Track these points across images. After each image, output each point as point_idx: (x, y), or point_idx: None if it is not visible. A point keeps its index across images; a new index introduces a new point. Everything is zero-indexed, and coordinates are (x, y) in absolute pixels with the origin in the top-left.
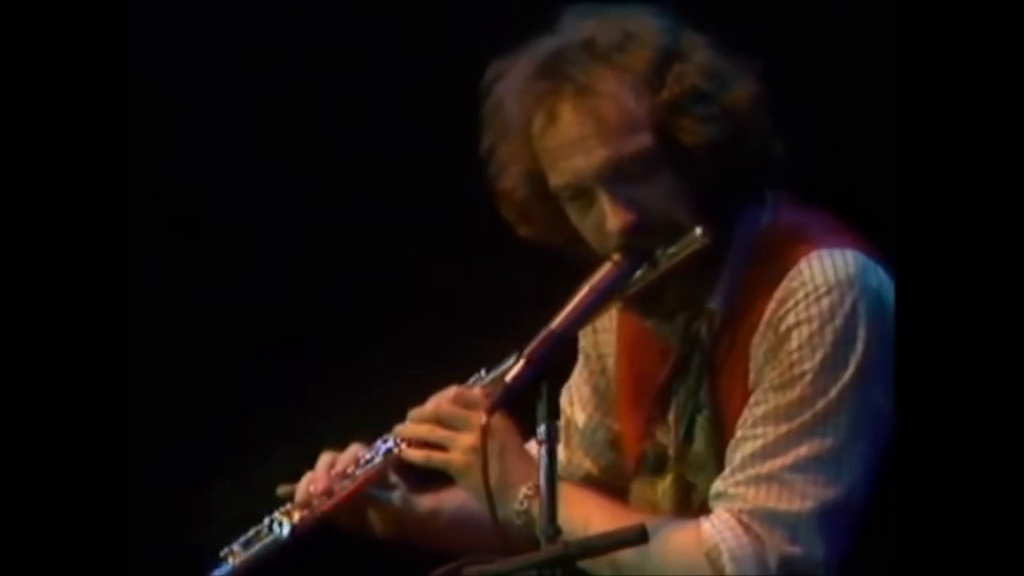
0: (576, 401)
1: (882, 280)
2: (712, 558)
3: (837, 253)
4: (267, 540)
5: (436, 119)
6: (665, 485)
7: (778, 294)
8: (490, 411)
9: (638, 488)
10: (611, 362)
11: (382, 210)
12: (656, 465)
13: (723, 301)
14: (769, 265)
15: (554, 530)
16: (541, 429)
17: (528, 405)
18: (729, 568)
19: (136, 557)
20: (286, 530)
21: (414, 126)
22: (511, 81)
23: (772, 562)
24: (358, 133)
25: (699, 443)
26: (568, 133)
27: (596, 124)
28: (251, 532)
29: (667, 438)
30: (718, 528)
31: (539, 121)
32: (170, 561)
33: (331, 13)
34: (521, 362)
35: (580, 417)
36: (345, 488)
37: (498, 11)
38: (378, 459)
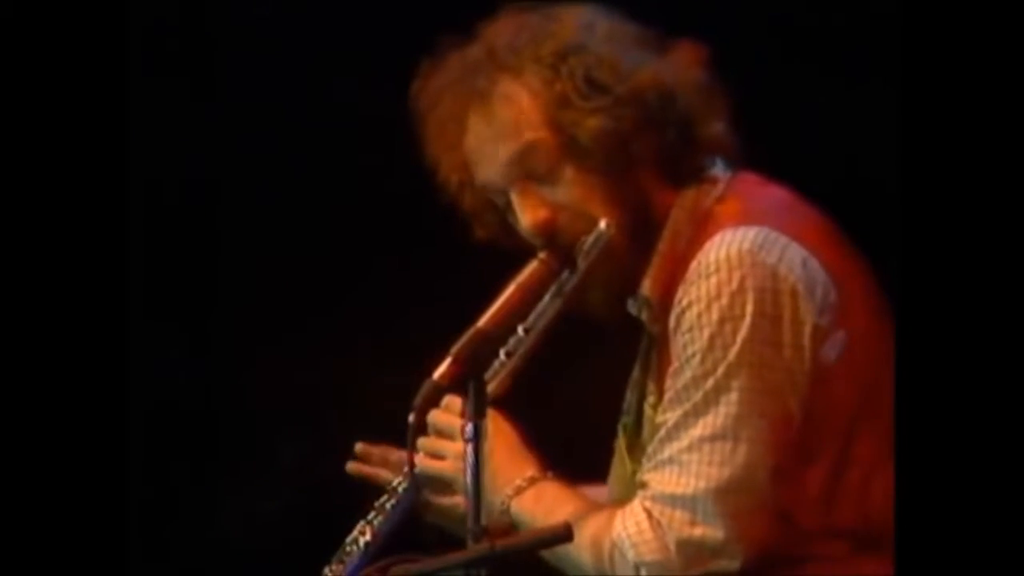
0: None
1: (785, 256)
2: (618, 547)
3: (740, 231)
4: (352, 556)
5: None
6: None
7: (687, 275)
8: (419, 411)
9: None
10: None
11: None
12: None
13: (653, 287)
14: (691, 249)
15: (480, 529)
16: (468, 428)
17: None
18: (631, 555)
19: (136, 557)
20: (361, 544)
21: None
22: (428, 96)
23: (672, 547)
24: (362, 136)
25: (646, 431)
26: (475, 142)
27: (492, 129)
28: (340, 551)
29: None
30: (624, 518)
31: (458, 133)
32: (170, 561)
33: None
34: (448, 360)
35: None
36: (391, 505)
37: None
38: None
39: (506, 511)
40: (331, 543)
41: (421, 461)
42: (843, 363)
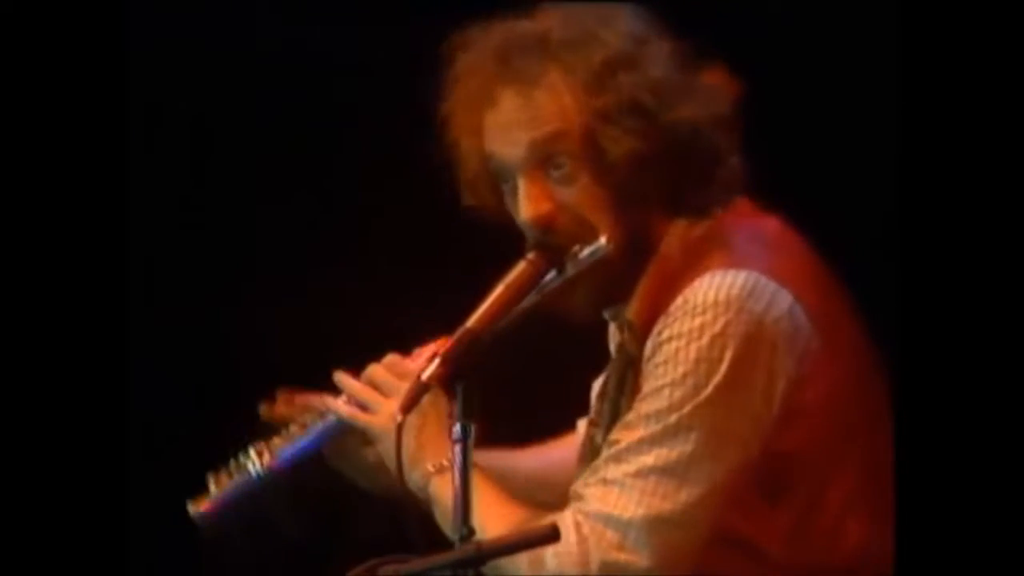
0: None
1: (773, 305)
2: (540, 554)
3: (731, 274)
4: (238, 476)
5: None
6: None
7: (670, 308)
8: (404, 410)
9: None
10: None
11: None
12: (589, 458)
13: (638, 311)
14: (679, 280)
15: (468, 530)
16: (456, 429)
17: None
18: (552, 564)
19: (136, 557)
20: (254, 469)
21: None
22: (469, 58)
23: (594, 565)
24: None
25: None
26: (502, 118)
27: (527, 112)
28: (229, 465)
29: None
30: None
31: (485, 102)
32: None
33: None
34: (436, 361)
35: None
36: (303, 432)
37: None
38: (329, 415)
39: (423, 488)
40: (330, 541)
41: (349, 410)
42: (820, 406)
